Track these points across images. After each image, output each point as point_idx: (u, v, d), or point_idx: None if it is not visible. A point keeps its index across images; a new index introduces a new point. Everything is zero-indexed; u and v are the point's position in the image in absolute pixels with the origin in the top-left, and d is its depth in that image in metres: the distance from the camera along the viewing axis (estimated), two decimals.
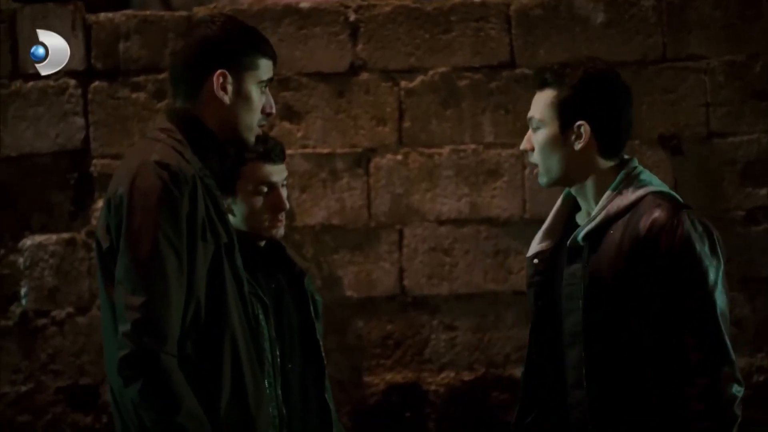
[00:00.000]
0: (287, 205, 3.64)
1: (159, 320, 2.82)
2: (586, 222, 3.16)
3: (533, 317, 3.28)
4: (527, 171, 5.82)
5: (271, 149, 3.58)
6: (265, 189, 3.58)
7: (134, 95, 5.92)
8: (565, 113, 3.16)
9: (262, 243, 3.64)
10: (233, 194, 3.56)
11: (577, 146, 3.17)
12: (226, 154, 3.10)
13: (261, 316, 3.50)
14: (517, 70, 5.90)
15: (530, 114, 3.22)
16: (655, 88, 5.86)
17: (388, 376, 5.91)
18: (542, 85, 3.21)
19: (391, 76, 5.93)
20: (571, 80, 3.16)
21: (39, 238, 5.92)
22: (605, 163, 3.20)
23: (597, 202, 3.18)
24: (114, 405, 2.94)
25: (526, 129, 3.26)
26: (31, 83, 5.91)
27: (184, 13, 5.97)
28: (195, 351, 2.89)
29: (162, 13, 6.03)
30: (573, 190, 3.24)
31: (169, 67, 3.14)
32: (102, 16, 5.93)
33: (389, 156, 5.91)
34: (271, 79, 3.12)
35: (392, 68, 5.93)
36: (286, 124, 5.90)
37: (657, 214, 3.08)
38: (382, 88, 5.92)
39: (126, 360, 2.81)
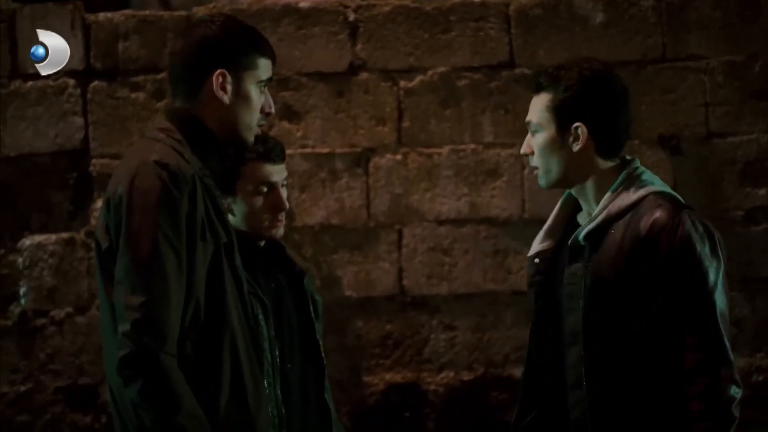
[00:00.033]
0: (287, 205, 3.64)
1: (158, 320, 2.81)
2: (587, 222, 3.17)
3: (534, 317, 3.29)
4: (526, 171, 5.82)
5: (271, 149, 3.58)
6: (265, 189, 3.58)
7: (133, 95, 5.92)
8: (561, 116, 3.17)
9: (262, 243, 3.64)
10: (233, 194, 3.56)
11: (575, 148, 3.18)
12: (226, 154, 3.10)
13: (260, 316, 3.50)
14: (517, 70, 5.90)
15: (528, 118, 3.24)
16: (654, 88, 5.86)
17: (388, 376, 5.91)
18: (538, 89, 3.22)
19: (391, 76, 5.93)
20: (566, 83, 3.17)
21: (38, 238, 5.92)
22: (605, 164, 3.20)
23: (597, 203, 3.18)
24: (113, 405, 2.94)
25: (526, 129, 3.27)
26: (30, 83, 5.91)
27: (183, 12, 5.97)
28: (194, 351, 2.88)
29: (161, 12, 6.02)
30: (573, 191, 3.25)
31: (169, 67, 3.13)
32: (101, 15, 5.93)
33: (388, 156, 5.91)
34: (270, 79, 3.11)
35: (391, 68, 5.93)
36: (286, 124, 5.90)
37: (658, 214, 3.08)
38: (382, 88, 5.92)
39: (126, 360, 2.81)
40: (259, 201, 3.58)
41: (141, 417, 2.83)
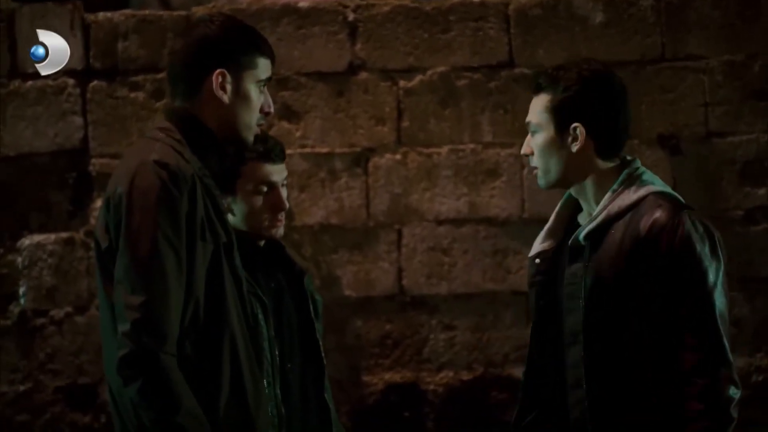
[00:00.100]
0: (287, 205, 3.63)
1: (158, 320, 2.81)
2: (587, 221, 3.17)
3: (535, 317, 3.29)
4: (526, 171, 5.82)
5: (271, 149, 3.58)
6: (265, 189, 3.58)
7: (133, 95, 5.92)
8: (560, 116, 3.18)
9: (262, 243, 3.64)
10: (233, 194, 3.56)
11: (574, 148, 3.18)
12: (225, 154, 3.09)
13: (260, 316, 3.50)
14: (516, 70, 5.91)
15: (528, 118, 3.25)
16: (653, 87, 5.86)
17: (387, 376, 5.91)
18: (538, 90, 3.23)
19: (390, 76, 5.93)
20: (565, 83, 3.18)
21: (37, 238, 5.92)
22: (604, 164, 3.20)
23: (598, 203, 3.18)
24: (113, 404, 2.94)
25: (525, 129, 3.27)
26: (29, 83, 5.91)
27: (182, 12, 5.97)
28: (194, 351, 2.88)
29: (161, 12, 6.02)
30: (573, 192, 3.25)
31: (168, 67, 3.13)
32: (101, 15, 5.93)
33: (388, 155, 5.91)
34: (269, 79, 3.11)
35: (391, 68, 5.93)
36: (285, 124, 5.90)
37: (658, 214, 3.09)
38: (381, 88, 5.92)
39: (125, 359, 2.81)
40: (259, 201, 3.58)
41: (140, 417, 2.82)
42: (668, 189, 3.20)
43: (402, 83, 5.92)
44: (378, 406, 5.89)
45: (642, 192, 3.15)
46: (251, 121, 3.08)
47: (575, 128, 3.17)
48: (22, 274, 5.91)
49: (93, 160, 5.90)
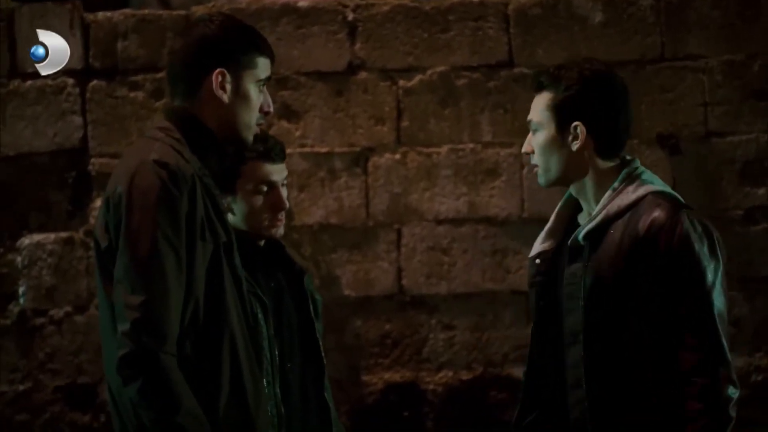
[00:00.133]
0: (287, 205, 3.63)
1: (158, 319, 2.81)
2: (586, 221, 3.18)
3: (535, 317, 3.29)
4: (525, 170, 5.82)
5: (271, 148, 3.58)
6: (265, 188, 3.58)
7: (132, 94, 5.92)
8: (560, 115, 3.19)
9: (262, 242, 3.64)
10: (233, 193, 3.56)
11: (574, 147, 3.19)
12: (225, 153, 3.09)
13: (260, 316, 3.50)
14: (516, 70, 5.91)
15: (529, 117, 3.26)
16: (653, 87, 5.86)
17: (387, 376, 5.91)
18: (539, 88, 3.24)
19: (390, 76, 5.93)
20: (567, 82, 3.19)
21: (37, 237, 5.92)
22: (604, 164, 3.21)
23: (597, 202, 3.19)
24: (112, 404, 2.94)
25: (525, 128, 3.28)
26: (29, 82, 5.91)
27: (182, 12, 5.97)
28: (194, 350, 2.88)
29: (160, 12, 6.02)
30: (574, 191, 3.25)
31: (168, 66, 3.13)
32: (100, 15, 5.93)
33: (387, 155, 5.91)
34: (269, 78, 3.11)
35: (390, 67, 5.93)
36: (285, 124, 5.90)
37: (656, 213, 3.09)
38: (381, 88, 5.92)
39: (125, 359, 2.81)
40: (259, 200, 3.58)
41: (140, 416, 2.82)
42: (667, 188, 3.21)
43: (401, 83, 5.92)
44: (377, 406, 5.89)
45: (641, 191, 3.15)
46: (251, 120, 3.08)
47: (576, 127, 3.18)
48: (21, 273, 5.91)
49: (92, 160, 5.90)
